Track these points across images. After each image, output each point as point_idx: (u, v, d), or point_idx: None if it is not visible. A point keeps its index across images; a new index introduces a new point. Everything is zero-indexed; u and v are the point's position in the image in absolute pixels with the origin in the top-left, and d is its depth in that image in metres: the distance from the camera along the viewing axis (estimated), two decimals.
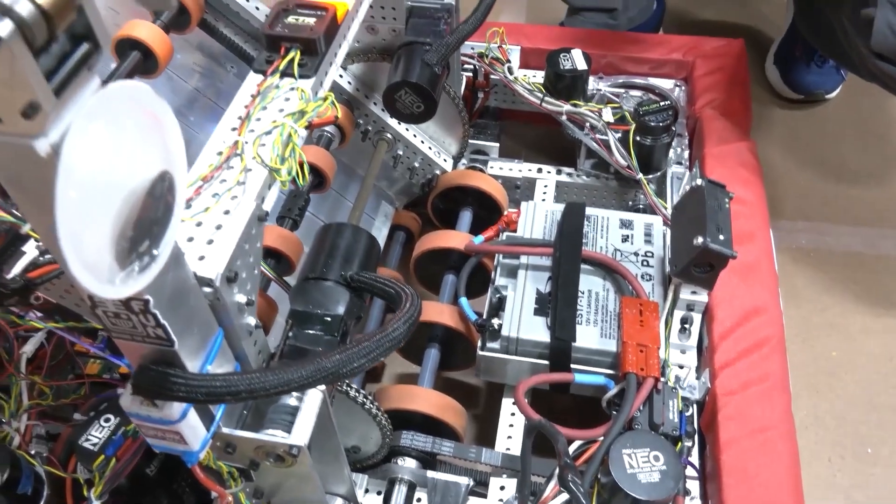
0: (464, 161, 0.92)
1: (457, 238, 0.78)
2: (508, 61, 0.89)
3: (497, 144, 0.93)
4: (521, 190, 0.92)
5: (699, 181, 0.64)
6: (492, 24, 0.86)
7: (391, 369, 0.85)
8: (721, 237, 0.60)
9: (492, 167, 0.91)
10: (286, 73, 0.51)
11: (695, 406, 0.64)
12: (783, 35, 1.15)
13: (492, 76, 0.91)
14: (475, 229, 0.87)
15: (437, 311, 0.72)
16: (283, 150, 0.47)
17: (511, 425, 0.68)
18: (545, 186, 0.90)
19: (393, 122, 0.84)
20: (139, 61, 0.65)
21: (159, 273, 0.34)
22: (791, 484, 0.57)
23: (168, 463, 0.56)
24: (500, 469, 0.64)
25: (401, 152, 0.86)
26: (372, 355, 0.40)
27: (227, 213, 0.43)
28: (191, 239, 0.42)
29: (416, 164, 0.87)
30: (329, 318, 0.51)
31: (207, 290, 0.41)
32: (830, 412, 0.81)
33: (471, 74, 0.94)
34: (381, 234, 0.89)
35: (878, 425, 0.79)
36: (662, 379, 0.62)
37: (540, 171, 0.91)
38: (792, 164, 1.05)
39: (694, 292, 0.66)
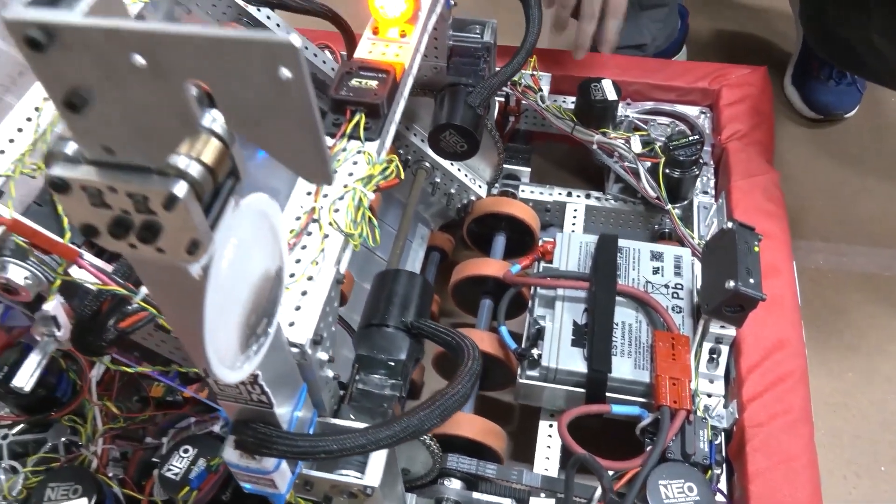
0: (497, 185, 0.95)
1: (494, 266, 0.82)
2: (540, 89, 0.93)
3: (528, 169, 0.96)
4: (552, 213, 0.96)
5: (729, 224, 0.68)
6: None
7: (429, 386, 0.90)
8: (751, 280, 0.64)
9: (523, 191, 0.95)
10: (353, 136, 0.55)
11: (723, 434, 0.68)
12: (797, 54, 1.18)
13: (523, 102, 0.95)
14: (508, 252, 0.92)
15: (478, 339, 0.76)
16: (356, 214, 0.51)
17: (549, 447, 0.73)
18: (575, 210, 0.94)
19: (431, 151, 0.88)
20: None
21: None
22: None
23: (240, 489, 0.61)
24: (540, 489, 0.69)
25: (438, 180, 0.90)
26: (445, 414, 0.44)
27: (310, 279, 0.47)
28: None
29: (453, 191, 0.91)
30: (393, 363, 0.55)
31: (296, 351, 0.46)
32: (846, 431, 0.85)
33: (503, 100, 0.97)
34: (418, 255, 0.94)
35: (891, 444, 0.84)
36: (693, 408, 0.66)
37: (570, 194, 0.95)
38: (810, 183, 1.09)
39: (723, 326, 0.71)
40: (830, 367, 0.91)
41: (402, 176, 0.54)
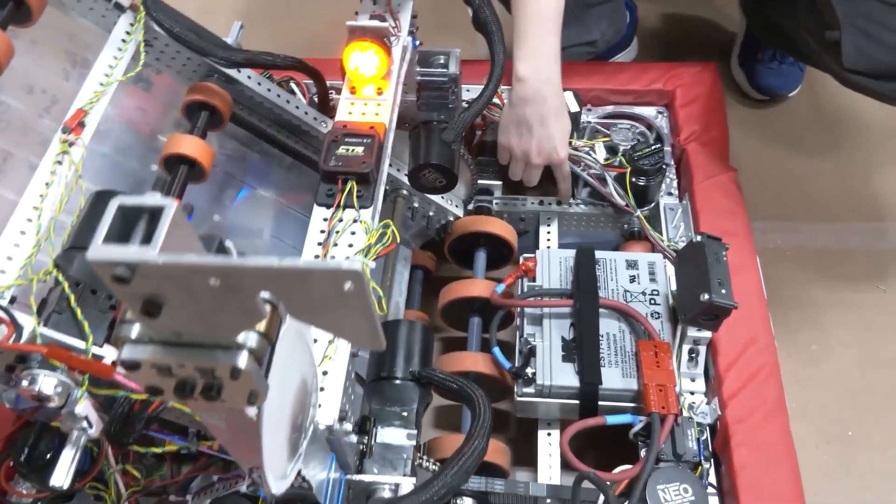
0: (472, 201, 0.99)
1: (480, 286, 0.86)
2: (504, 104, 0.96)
3: (500, 182, 0.99)
4: (526, 222, 1.00)
5: (698, 237, 0.73)
6: (484, 64, 0.91)
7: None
8: (723, 291, 0.69)
9: (497, 204, 0.99)
10: (347, 205, 0.58)
11: (708, 429, 0.74)
12: (742, 36, 1.23)
13: (489, 118, 0.98)
14: (490, 265, 0.96)
15: (473, 361, 0.81)
16: None
17: (550, 455, 0.78)
18: (548, 218, 0.98)
19: (406, 179, 0.90)
20: (187, 173, 0.71)
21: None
22: (794, 492, 0.68)
23: None
24: (546, 498, 0.74)
25: (416, 205, 0.93)
26: (469, 470, 0.49)
27: (329, 359, 0.51)
28: None
29: (431, 213, 0.94)
30: (406, 414, 0.59)
31: (324, 429, 0.49)
32: (814, 401, 0.92)
33: None
34: (403, 277, 0.97)
35: (855, 409, 0.92)
36: (679, 407, 0.72)
37: (542, 203, 0.99)
38: (763, 163, 1.15)
39: (699, 330, 0.76)
40: (796, 341, 0.97)
41: (398, 239, 0.57)
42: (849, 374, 0.94)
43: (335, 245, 0.56)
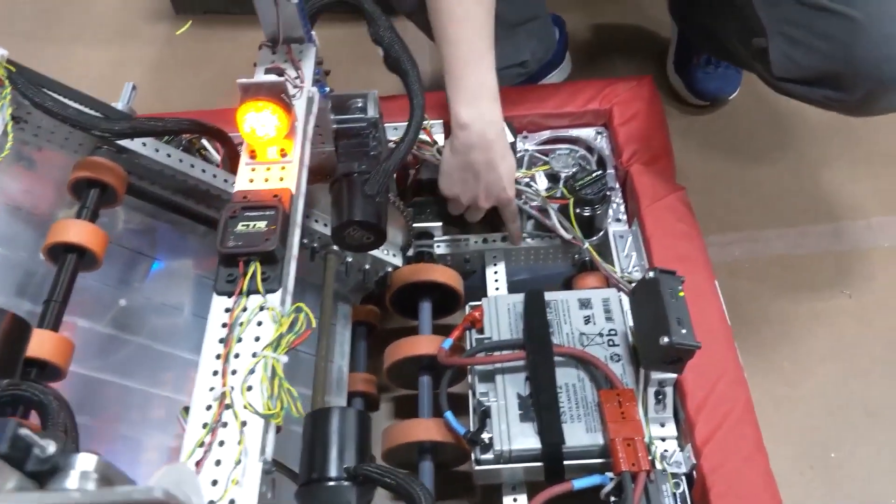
0: (412, 247, 0.92)
1: (425, 343, 0.79)
2: (435, 142, 0.90)
3: (440, 224, 0.93)
4: (472, 262, 0.93)
5: (651, 273, 0.67)
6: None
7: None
8: (683, 331, 0.64)
9: (439, 247, 0.92)
10: (251, 291, 0.51)
11: (684, 479, 0.68)
12: (675, 41, 1.19)
13: (419, 156, 0.91)
14: (437, 313, 0.89)
15: (425, 430, 0.74)
16: (272, 387, 0.47)
17: None
18: (494, 256, 0.92)
19: None
20: (76, 263, 0.63)
21: None
22: None
23: None
24: None
25: (350, 259, 0.86)
26: None
27: (237, 483, 0.43)
28: None
29: (367, 266, 0.88)
30: None
31: None
32: (793, 424, 0.87)
33: None
34: (344, 337, 0.90)
35: (836, 428, 0.87)
36: (650, 459, 0.65)
37: (486, 241, 0.92)
38: (711, 173, 1.10)
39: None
40: (767, 360, 0.93)
41: (314, 324, 0.50)
42: (825, 391, 0.90)
43: (239, 340, 0.49)
